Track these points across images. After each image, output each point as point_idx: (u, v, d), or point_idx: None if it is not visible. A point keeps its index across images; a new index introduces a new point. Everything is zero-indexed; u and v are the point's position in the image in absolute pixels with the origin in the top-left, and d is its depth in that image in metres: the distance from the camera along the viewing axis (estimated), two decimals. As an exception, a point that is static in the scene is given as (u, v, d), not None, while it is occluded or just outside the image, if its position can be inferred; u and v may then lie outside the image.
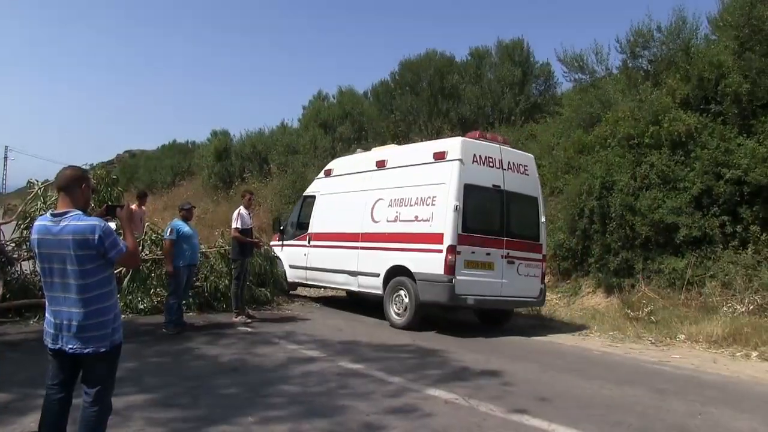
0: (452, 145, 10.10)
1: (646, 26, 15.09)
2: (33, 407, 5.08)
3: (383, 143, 22.55)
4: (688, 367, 7.99)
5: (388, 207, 10.78)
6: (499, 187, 10.13)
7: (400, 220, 10.38)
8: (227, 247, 11.29)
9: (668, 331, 9.94)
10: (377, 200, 11.01)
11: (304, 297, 13.36)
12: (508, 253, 10.14)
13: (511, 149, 10.96)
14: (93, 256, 3.56)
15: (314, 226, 12.48)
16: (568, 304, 12.98)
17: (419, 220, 10.02)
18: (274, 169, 27.44)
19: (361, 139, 25.00)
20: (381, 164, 11.44)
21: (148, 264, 10.58)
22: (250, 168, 30.24)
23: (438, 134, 23.18)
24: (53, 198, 10.47)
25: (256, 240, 11.31)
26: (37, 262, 3.63)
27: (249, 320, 10.05)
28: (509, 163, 10.38)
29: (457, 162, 9.71)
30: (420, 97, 23.21)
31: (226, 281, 11.02)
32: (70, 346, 3.58)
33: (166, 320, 8.98)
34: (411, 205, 10.24)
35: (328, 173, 13.14)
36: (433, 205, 9.84)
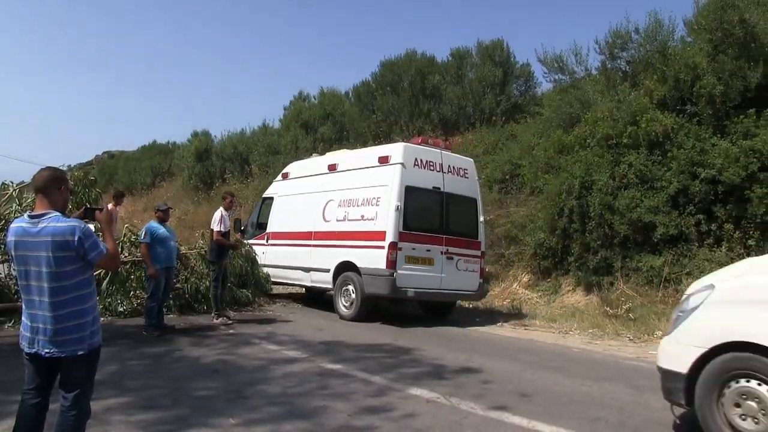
0: (395, 149, 10.90)
1: (624, 28, 15.26)
2: (8, 413, 5.05)
3: (364, 144, 22.60)
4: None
5: (338, 207, 11.55)
6: (439, 189, 10.94)
7: (348, 220, 11.13)
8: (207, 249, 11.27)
9: (646, 328, 10.07)
10: (328, 201, 11.76)
11: (286, 298, 13.33)
12: (447, 250, 10.96)
13: (452, 154, 11.81)
14: (72, 258, 3.54)
15: (272, 226, 13.19)
16: (548, 303, 13.08)
17: (365, 219, 10.77)
18: (255, 170, 27.37)
19: (342, 139, 25.00)
20: (332, 168, 12.23)
21: (127, 266, 10.52)
22: (231, 169, 30.12)
23: (420, 134, 23.25)
24: (29, 200, 10.38)
25: (236, 242, 11.34)
26: (13, 265, 3.58)
27: (230, 322, 10.03)
28: (449, 166, 11.19)
29: (399, 165, 10.50)
30: (401, 97, 23.28)
31: (207, 283, 10.98)
32: (46, 350, 3.55)
33: (146, 323, 8.95)
34: (358, 206, 11.00)
35: (285, 176, 13.95)
36: (378, 205, 10.60)
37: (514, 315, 12.12)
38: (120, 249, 10.59)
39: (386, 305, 11.93)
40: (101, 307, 10.08)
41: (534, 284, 14.00)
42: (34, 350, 3.57)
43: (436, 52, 31.15)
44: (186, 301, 10.90)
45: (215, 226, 10.11)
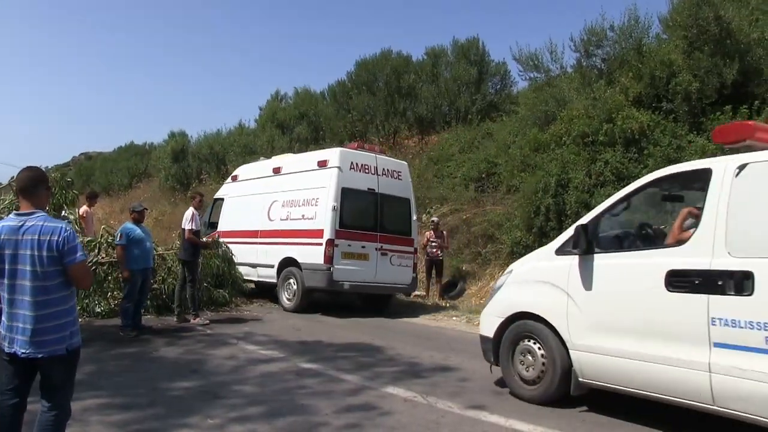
0: (332, 154, 11.66)
1: (600, 25, 15.35)
2: None
3: (340, 143, 22.52)
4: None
5: (281, 207, 12.33)
6: (374, 190, 11.71)
7: (290, 219, 11.92)
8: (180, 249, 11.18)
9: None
10: (273, 202, 12.48)
11: (263, 298, 13.25)
12: (381, 246, 11.79)
13: (386, 158, 12.67)
14: (56, 259, 3.54)
15: (222, 225, 13.89)
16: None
17: (305, 219, 11.57)
18: (232, 170, 27.22)
19: (318, 139, 24.92)
20: (277, 171, 13.06)
21: (105, 267, 10.38)
22: (207, 169, 29.93)
23: (395, 133, 23.26)
24: (6, 201, 10.23)
25: (209, 241, 11.30)
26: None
27: (207, 322, 9.94)
28: (384, 169, 11.98)
29: (336, 169, 11.25)
30: (377, 96, 23.24)
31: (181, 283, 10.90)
32: (23, 351, 3.52)
33: (122, 323, 8.84)
34: (299, 206, 11.80)
35: (234, 178, 14.85)
36: (317, 205, 11.41)
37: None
38: (97, 250, 10.46)
39: (326, 298, 12.82)
40: (79, 307, 9.90)
41: (512, 282, 14.02)
42: (12, 350, 3.54)
43: (412, 52, 31.15)
44: (163, 301, 10.78)
45: (187, 225, 10.02)
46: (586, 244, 5.45)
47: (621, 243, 5.81)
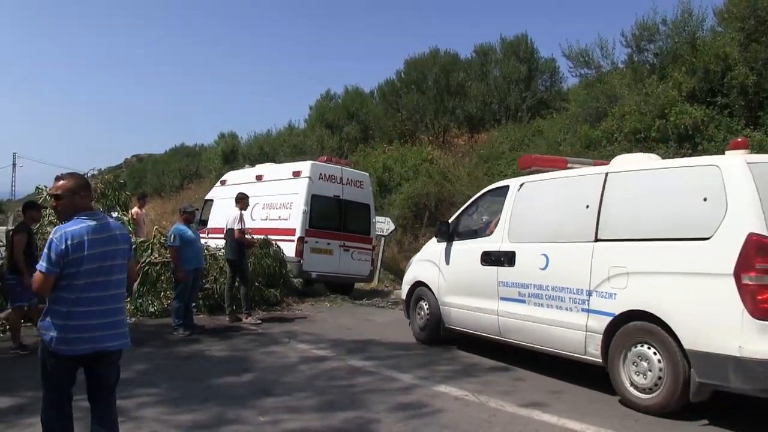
0: (305, 166, 13.57)
1: (652, 20, 15.07)
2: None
3: (389, 142, 22.60)
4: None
5: (262, 209, 13.90)
6: (339, 196, 13.77)
7: (269, 219, 13.66)
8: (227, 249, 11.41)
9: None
10: (255, 204, 13.23)
11: (314, 297, 13.39)
12: (344, 243, 13.92)
13: (351, 169, 14.78)
14: (127, 251, 3.85)
15: (211, 223, 15.53)
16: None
17: (281, 219, 13.48)
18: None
19: (367, 138, 25.02)
20: (259, 178, 14.97)
21: (157, 267, 10.63)
22: (257, 170, 30.30)
23: (445, 132, 23.20)
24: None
25: (256, 240, 11.49)
26: (81, 264, 3.57)
27: (259, 321, 10.08)
28: (348, 179, 14.07)
29: (308, 179, 13.19)
30: (426, 95, 23.22)
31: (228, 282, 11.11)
32: (111, 344, 3.71)
33: (174, 323, 9.02)
34: (277, 209, 13.69)
35: (223, 183, 16.78)
36: (291, 208, 13.33)
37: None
38: (150, 250, 10.73)
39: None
40: (132, 307, 10.22)
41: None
42: (90, 349, 3.63)
43: (460, 50, 30.89)
44: (215, 301, 10.97)
45: (235, 225, 10.17)
46: (447, 235, 8.28)
47: (465, 234, 8.27)
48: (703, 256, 5.19)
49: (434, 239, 8.68)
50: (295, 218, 13.12)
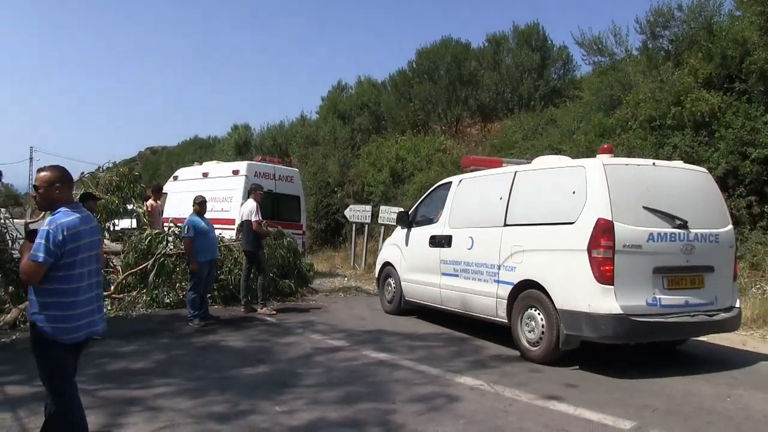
0: (242, 165, 15.52)
1: (667, 5, 14.90)
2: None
3: (402, 133, 22.55)
4: (715, 349, 7.91)
5: (207, 202, 14.93)
6: (272, 190, 15.23)
7: (214, 210, 14.04)
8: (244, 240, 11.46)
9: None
10: None
11: (328, 288, 13.41)
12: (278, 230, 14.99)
13: (282, 167, 16.83)
14: (101, 241, 4.03)
15: (166, 214, 16.27)
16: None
17: (223, 211, 14.85)
18: (295, 162, 27.54)
19: (380, 129, 24.98)
20: (205, 174, 16.56)
21: (173, 258, 10.67)
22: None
23: (458, 121, 23.12)
24: (75, 196, 10.64)
25: (272, 230, 11.59)
26: (77, 254, 3.69)
27: (274, 312, 10.11)
28: (280, 175, 15.97)
29: (245, 176, 14.89)
30: (438, 85, 23.14)
31: (245, 273, 11.15)
32: (100, 329, 3.94)
33: (189, 314, 9.06)
34: (219, 201, 14.99)
35: (175, 178, 18.20)
36: (231, 201, 14.93)
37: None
38: (165, 242, 10.78)
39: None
40: (148, 298, 10.28)
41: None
42: (85, 335, 3.81)
43: (472, 39, 30.76)
44: (230, 291, 11.01)
45: (253, 217, 10.19)
46: (407, 222, 10.06)
47: (421, 221, 9.84)
48: (569, 236, 6.75)
49: (400, 227, 10.41)
50: (234, 210, 14.03)
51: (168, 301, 10.35)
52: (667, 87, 12.88)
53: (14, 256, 9.90)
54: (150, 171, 43.93)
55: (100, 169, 12.76)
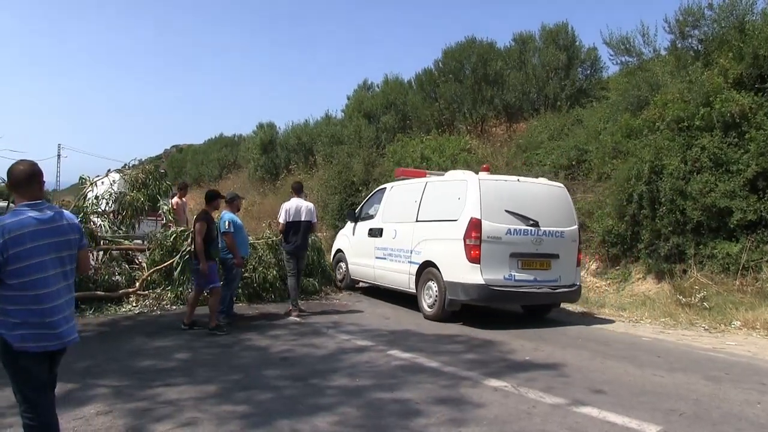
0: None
1: (697, 4, 14.62)
2: (93, 396, 5.26)
3: (427, 132, 22.54)
4: (744, 354, 7.79)
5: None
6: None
7: None
8: (275, 239, 11.49)
9: (723, 318, 9.71)
10: None
11: (352, 288, 13.44)
12: None
13: None
14: (78, 241, 3.72)
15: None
16: (617, 291, 12.79)
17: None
18: (320, 160, 27.58)
19: (405, 128, 24.93)
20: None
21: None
22: (295, 159, 30.45)
23: (483, 121, 23.02)
24: (102, 191, 10.82)
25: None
26: (24, 259, 3.37)
27: (303, 311, 10.12)
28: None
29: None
30: (464, 84, 23.03)
31: (275, 272, 11.23)
32: (70, 338, 3.61)
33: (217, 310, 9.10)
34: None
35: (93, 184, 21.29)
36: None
37: (583, 303, 11.86)
38: (190, 239, 10.85)
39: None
40: (173, 295, 10.36)
41: (602, 272, 13.70)
42: (53, 346, 3.51)
43: (498, 38, 30.53)
44: (254, 290, 11.07)
45: (314, 218, 10.28)
46: (354, 218, 12.75)
47: (364, 217, 12.37)
48: (453, 229, 9.49)
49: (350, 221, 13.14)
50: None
51: (192, 298, 10.41)
52: (696, 87, 12.68)
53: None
54: (175, 169, 44.34)
55: (127, 167, 12.90)
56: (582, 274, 13.82)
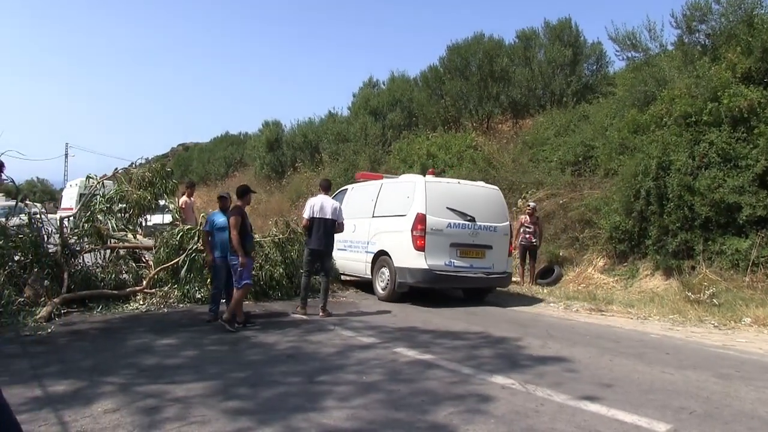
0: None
1: (704, -1, 14.55)
2: (100, 394, 5.24)
3: (433, 129, 22.50)
4: (755, 351, 7.73)
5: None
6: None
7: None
8: (281, 236, 11.48)
9: (732, 315, 9.66)
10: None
11: (358, 285, 13.41)
12: None
13: None
14: None
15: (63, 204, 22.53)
16: (625, 287, 12.73)
17: None
18: (326, 158, 27.58)
19: (411, 125, 24.91)
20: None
21: (204, 254, 10.73)
22: (301, 157, 30.47)
23: (489, 118, 22.98)
24: (111, 191, 10.83)
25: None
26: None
27: (305, 317, 10.04)
28: None
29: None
30: (469, 81, 23.01)
31: (281, 270, 11.27)
32: None
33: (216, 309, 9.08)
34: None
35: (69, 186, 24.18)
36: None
37: (590, 300, 11.82)
38: (197, 237, 10.85)
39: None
40: (180, 294, 10.36)
41: (610, 268, 13.66)
42: None
43: (503, 35, 30.39)
44: (260, 288, 11.06)
45: (340, 218, 10.10)
46: None
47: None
48: (403, 223, 11.11)
49: None
50: None
51: (199, 296, 10.43)
52: (704, 82, 12.62)
53: (50, 251, 10.10)
54: (182, 167, 44.39)
55: (134, 165, 12.88)
56: (589, 270, 13.81)
